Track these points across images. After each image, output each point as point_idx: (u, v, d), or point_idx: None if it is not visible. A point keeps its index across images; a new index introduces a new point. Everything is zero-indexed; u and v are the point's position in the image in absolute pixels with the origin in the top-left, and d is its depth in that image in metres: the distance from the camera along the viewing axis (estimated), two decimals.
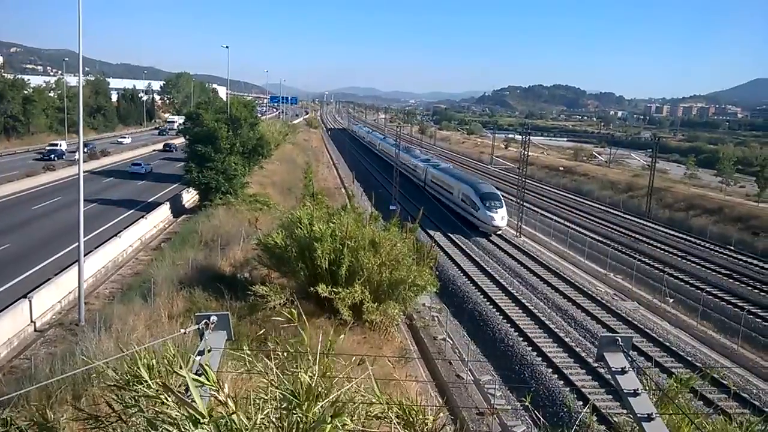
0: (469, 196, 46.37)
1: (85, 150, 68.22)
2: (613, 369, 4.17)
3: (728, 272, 36.36)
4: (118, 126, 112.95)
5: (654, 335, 25.69)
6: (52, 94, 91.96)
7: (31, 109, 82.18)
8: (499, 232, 43.48)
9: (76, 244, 23.80)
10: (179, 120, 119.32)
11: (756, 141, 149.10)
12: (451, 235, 42.40)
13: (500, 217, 43.13)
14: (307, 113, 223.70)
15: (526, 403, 10.59)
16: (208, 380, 3.05)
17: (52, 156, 66.76)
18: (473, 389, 20.66)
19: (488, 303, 29.54)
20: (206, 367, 3.14)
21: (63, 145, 72.25)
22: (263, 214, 34.07)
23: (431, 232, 41.51)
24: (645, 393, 4.05)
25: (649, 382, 5.24)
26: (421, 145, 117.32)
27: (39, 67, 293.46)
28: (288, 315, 3.90)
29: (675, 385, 4.84)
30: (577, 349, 24.08)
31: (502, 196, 46.33)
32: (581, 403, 19.46)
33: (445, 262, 35.59)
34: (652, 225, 50.98)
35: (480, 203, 44.07)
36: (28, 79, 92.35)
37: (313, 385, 3.15)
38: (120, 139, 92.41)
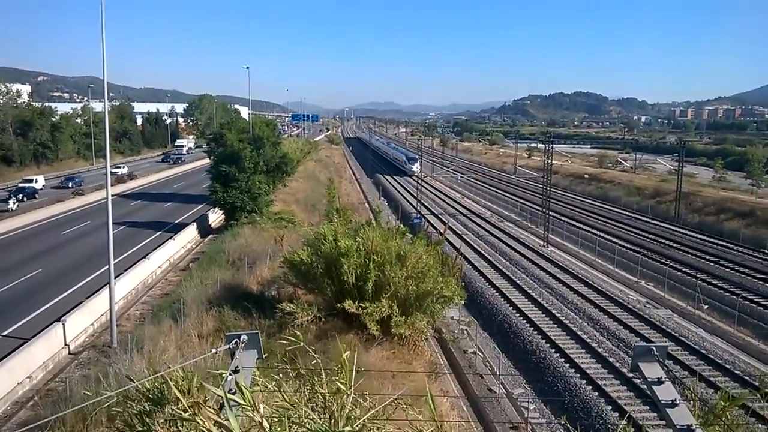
0: (404, 159, 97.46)
1: (70, 185, 62.66)
2: (649, 379, 4.08)
3: (764, 276, 35.46)
4: (144, 149, 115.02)
5: (689, 343, 25.14)
6: (78, 121, 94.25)
7: (59, 136, 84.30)
8: (416, 175, 79.80)
9: (106, 267, 24.19)
10: (188, 144, 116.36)
11: None
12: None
13: (415, 167, 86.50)
14: (328, 130, 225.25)
15: (563, 422, 10.39)
16: (243, 400, 3.06)
17: (20, 196, 55.21)
18: (506, 403, 20.41)
19: (518, 314, 29.23)
20: (242, 386, 3.14)
21: (39, 181, 62.26)
22: (288, 232, 34.30)
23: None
24: (683, 403, 3.94)
25: (686, 392, 5.11)
26: (442, 157, 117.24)
27: (65, 95, 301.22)
28: (294, 338, 3.95)
29: (723, 403, 4.55)
30: (611, 359, 23.67)
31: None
32: (617, 414, 19.10)
33: (472, 274, 35.39)
34: (682, 230, 50.11)
35: (407, 161, 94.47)
36: (56, 107, 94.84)
37: (348, 410, 3.13)
38: (114, 170, 73.38)
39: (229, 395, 3.05)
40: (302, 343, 3.90)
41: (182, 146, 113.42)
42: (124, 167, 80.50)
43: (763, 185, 69.43)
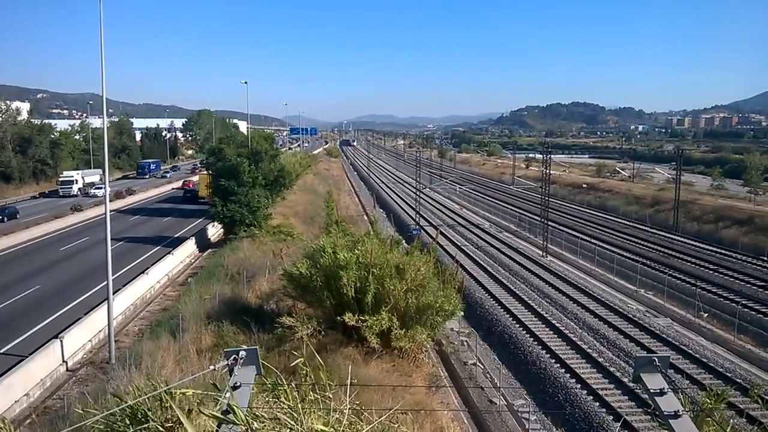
0: (349, 140, 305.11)
1: None
2: (652, 390, 4.04)
3: (763, 283, 35.41)
4: None
5: (690, 351, 25.04)
6: (77, 137, 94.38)
7: (58, 153, 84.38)
8: (354, 147, 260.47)
9: (105, 282, 24.11)
10: (88, 177, 77.84)
11: None
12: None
13: (355, 143, 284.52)
14: (326, 143, 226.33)
15: None
16: (237, 420, 3.03)
17: None
18: (507, 415, 20.28)
19: (518, 325, 29.13)
20: (234, 407, 3.12)
21: None
22: (287, 245, 34.24)
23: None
24: (686, 414, 3.91)
25: (688, 402, 5.07)
26: (441, 168, 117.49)
27: (65, 111, 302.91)
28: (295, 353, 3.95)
29: (708, 401, 4.64)
30: (612, 369, 23.57)
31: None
32: (619, 425, 18.98)
33: (472, 285, 35.30)
34: (681, 239, 50.12)
35: (350, 141, 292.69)
36: (55, 124, 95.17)
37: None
38: None
39: (226, 413, 3.03)
40: (303, 358, 3.87)
41: (71, 181, 73.95)
42: None
43: (761, 193, 69.63)
